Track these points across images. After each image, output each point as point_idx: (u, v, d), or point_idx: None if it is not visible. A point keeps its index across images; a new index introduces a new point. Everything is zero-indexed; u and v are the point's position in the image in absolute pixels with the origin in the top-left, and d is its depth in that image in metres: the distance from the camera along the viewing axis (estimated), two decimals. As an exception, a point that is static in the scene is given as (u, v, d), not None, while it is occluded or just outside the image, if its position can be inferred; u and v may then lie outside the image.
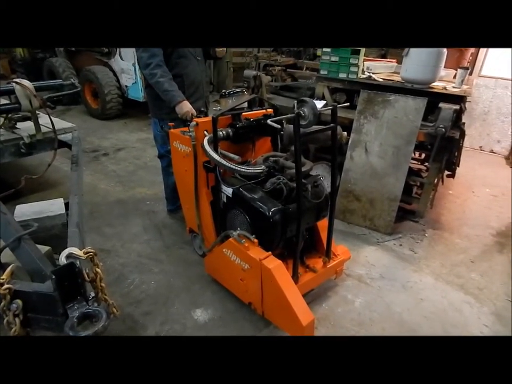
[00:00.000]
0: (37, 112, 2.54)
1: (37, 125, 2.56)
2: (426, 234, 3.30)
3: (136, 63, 5.49)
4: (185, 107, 2.51)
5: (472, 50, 4.93)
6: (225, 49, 3.06)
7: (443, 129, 2.86)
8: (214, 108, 2.97)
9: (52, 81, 2.96)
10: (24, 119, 2.65)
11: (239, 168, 2.04)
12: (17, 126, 2.68)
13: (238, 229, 2.11)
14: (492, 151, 5.82)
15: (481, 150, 5.89)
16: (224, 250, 2.13)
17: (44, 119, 2.56)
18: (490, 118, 5.67)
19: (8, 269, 1.18)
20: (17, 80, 2.28)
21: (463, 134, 3.16)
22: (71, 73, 6.32)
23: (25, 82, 2.29)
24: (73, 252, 1.25)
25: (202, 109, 2.47)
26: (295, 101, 1.93)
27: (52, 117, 2.34)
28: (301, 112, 1.87)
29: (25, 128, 2.66)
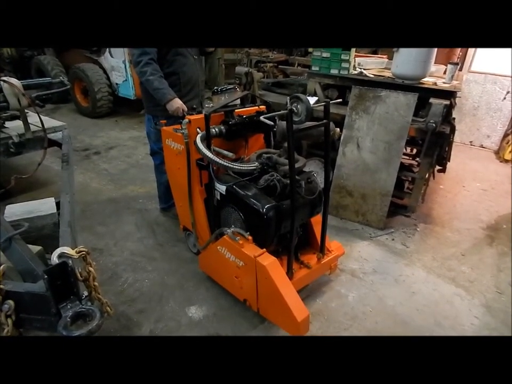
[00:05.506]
0: (26, 110, 2.50)
1: (26, 123, 2.52)
2: (418, 229, 3.34)
3: (127, 61, 5.45)
4: (176, 103, 2.50)
5: (461, 46, 4.97)
6: None
7: (434, 125, 2.89)
8: (206, 105, 2.95)
9: (40, 79, 2.91)
10: (13, 118, 2.61)
11: (232, 165, 2.04)
12: (5, 125, 2.64)
13: (232, 226, 2.11)
14: (481, 146, 5.89)
15: (471, 145, 5.96)
16: (218, 247, 2.13)
17: (33, 117, 2.52)
18: (480, 113, 5.73)
19: (-1, 270, 1.16)
20: (5, 78, 2.24)
21: (453, 129, 3.19)
22: (60, 71, 6.21)
23: (13, 80, 2.25)
24: (65, 251, 1.24)
25: (194, 106, 2.45)
26: (288, 97, 1.93)
27: (41, 116, 2.30)
28: (294, 108, 1.87)
29: (14, 127, 2.62)
